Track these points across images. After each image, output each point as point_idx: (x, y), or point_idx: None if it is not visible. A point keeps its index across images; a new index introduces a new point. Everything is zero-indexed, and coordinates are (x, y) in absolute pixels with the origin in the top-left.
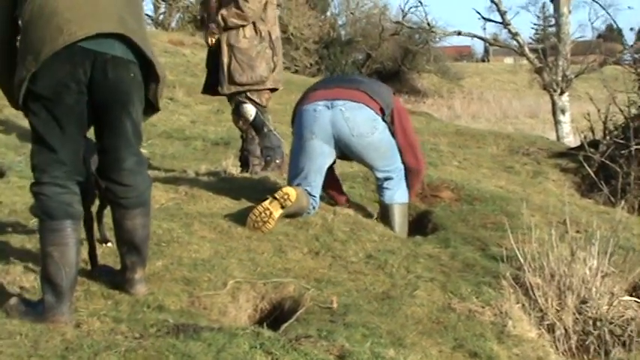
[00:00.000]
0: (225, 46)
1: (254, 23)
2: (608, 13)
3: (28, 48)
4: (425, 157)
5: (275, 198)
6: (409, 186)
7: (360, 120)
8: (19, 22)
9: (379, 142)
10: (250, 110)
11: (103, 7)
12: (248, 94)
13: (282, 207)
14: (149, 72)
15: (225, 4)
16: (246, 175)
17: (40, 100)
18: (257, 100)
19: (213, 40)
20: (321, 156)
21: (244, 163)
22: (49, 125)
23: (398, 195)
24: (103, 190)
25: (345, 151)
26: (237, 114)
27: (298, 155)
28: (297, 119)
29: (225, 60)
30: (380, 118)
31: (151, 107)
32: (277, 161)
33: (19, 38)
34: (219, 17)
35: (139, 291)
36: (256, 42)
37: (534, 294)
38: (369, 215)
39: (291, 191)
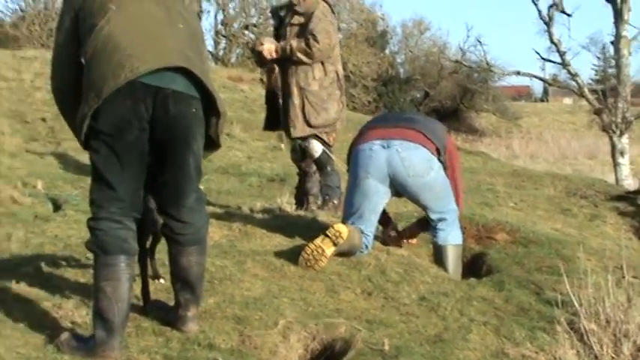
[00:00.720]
0: (295, 88)
1: (322, 63)
2: None
3: (91, 85)
4: (479, 198)
5: (327, 235)
6: None
7: (416, 160)
8: (82, 60)
9: (434, 182)
10: (317, 147)
11: (165, 42)
12: (317, 133)
13: (335, 244)
14: (210, 107)
15: (297, 35)
16: (301, 213)
17: (102, 136)
18: (325, 139)
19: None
20: (376, 195)
21: (300, 201)
22: (109, 162)
23: (452, 236)
24: (160, 225)
25: (400, 191)
26: (298, 151)
27: (353, 194)
28: (353, 158)
29: (297, 102)
30: (436, 159)
31: (212, 143)
32: (335, 201)
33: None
34: (288, 47)
35: (191, 329)
36: (326, 83)
37: (589, 340)
38: (422, 256)
39: (342, 229)
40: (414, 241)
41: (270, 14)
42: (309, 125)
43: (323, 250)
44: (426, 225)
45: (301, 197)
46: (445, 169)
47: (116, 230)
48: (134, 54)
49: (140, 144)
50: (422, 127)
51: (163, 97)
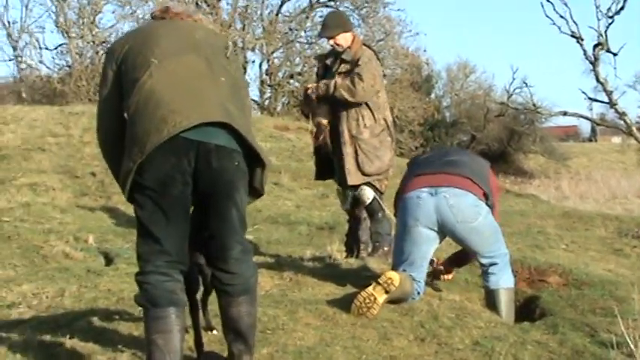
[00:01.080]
0: (347, 137)
1: (372, 111)
2: None
3: (134, 140)
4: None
5: (379, 283)
6: None
7: (464, 206)
8: (125, 114)
9: (483, 227)
10: (369, 194)
11: (207, 97)
12: (371, 181)
13: (387, 292)
14: (253, 159)
15: (344, 73)
16: (352, 260)
17: (146, 191)
18: (377, 186)
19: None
20: (427, 242)
21: (350, 249)
22: (154, 216)
23: (503, 280)
24: (209, 277)
25: (449, 236)
26: (349, 199)
27: (403, 241)
28: (402, 206)
29: (350, 151)
30: (483, 203)
31: (256, 192)
32: (385, 248)
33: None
34: (332, 83)
35: None
36: (377, 131)
37: None
38: (474, 300)
39: (394, 276)
40: (449, 276)
41: (314, 60)
42: (364, 174)
43: (375, 298)
44: (461, 260)
45: (351, 244)
46: (492, 208)
47: (164, 283)
48: (176, 109)
49: (184, 198)
50: (468, 172)
51: (206, 152)
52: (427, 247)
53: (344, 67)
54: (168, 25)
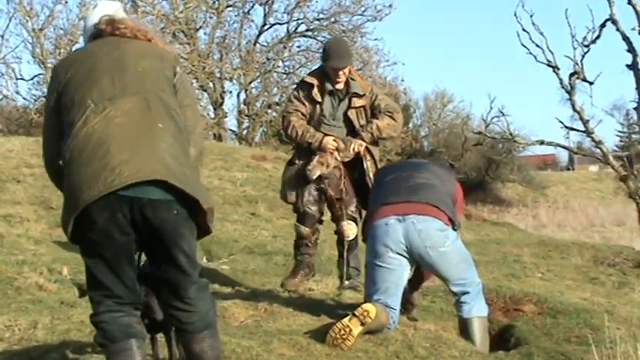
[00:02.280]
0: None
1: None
2: None
3: (70, 191)
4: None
5: (355, 315)
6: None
7: (431, 232)
8: (61, 162)
9: (452, 252)
10: (354, 230)
11: (143, 151)
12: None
13: (362, 324)
14: (195, 205)
15: (357, 108)
16: (327, 290)
17: (87, 241)
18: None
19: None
20: (399, 268)
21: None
22: (99, 266)
23: (476, 309)
24: (162, 318)
25: (419, 262)
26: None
27: (374, 269)
28: (371, 234)
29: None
30: (450, 229)
31: (203, 232)
32: (359, 281)
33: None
34: (375, 129)
35: None
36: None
37: None
38: (449, 330)
39: (371, 308)
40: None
41: (297, 89)
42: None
43: (350, 330)
44: (416, 283)
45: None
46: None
47: (118, 318)
48: (109, 165)
49: (126, 246)
50: (432, 199)
51: (140, 206)
52: (399, 273)
53: (358, 102)
54: (112, 52)
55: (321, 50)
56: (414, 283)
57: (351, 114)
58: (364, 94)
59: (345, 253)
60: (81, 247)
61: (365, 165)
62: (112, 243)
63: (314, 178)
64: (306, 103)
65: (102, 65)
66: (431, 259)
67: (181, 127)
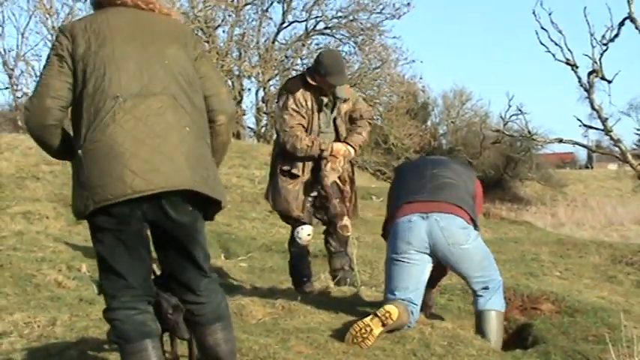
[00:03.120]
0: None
1: None
2: None
3: (88, 181)
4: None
5: (376, 315)
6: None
7: (454, 229)
8: (80, 151)
9: (474, 250)
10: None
11: (169, 159)
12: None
13: (383, 325)
14: (214, 203)
15: (345, 113)
16: (344, 288)
17: (103, 230)
18: None
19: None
20: (421, 265)
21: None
22: (115, 252)
23: (491, 302)
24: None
25: (441, 260)
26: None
27: (396, 266)
28: (393, 231)
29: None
30: (472, 227)
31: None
32: (349, 280)
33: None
34: (362, 140)
35: None
36: None
37: None
38: (467, 328)
39: (393, 310)
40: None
41: (285, 93)
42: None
43: (371, 329)
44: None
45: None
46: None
47: (133, 317)
48: (137, 170)
49: (143, 234)
50: (455, 198)
51: (159, 205)
52: (421, 269)
53: (344, 108)
54: (136, 32)
55: (317, 62)
56: (431, 281)
57: (338, 120)
58: (348, 99)
59: (347, 250)
60: (95, 237)
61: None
62: (129, 228)
63: (329, 184)
64: (305, 116)
65: (128, 50)
66: (453, 257)
67: (204, 114)
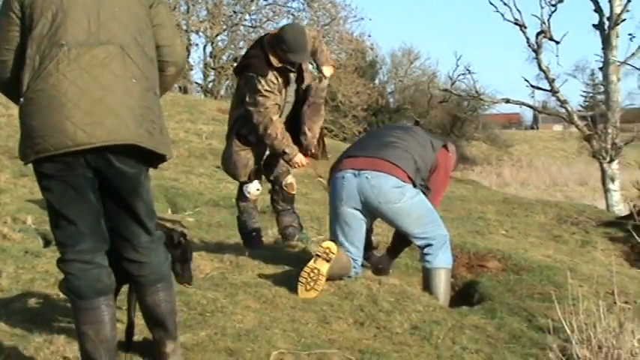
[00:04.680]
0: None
1: None
2: None
3: (30, 131)
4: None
5: (318, 255)
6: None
7: (385, 188)
8: (22, 99)
9: (409, 207)
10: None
11: (113, 113)
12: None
13: (328, 261)
14: (159, 157)
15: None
16: (292, 243)
17: (49, 177)
18: None
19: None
20: (354, 221)
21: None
22: (64, 197)
23: (438, 260)
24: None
25: (378, 217)
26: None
27: (334, 222)
28: (331, 187)
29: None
30: (408, 185)
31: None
32: (303, 236)
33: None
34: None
35: None
36: None
37: None
38: (414, 285)
39: (331, 245)
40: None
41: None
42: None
43: (319, 270)
44: (396, 249)
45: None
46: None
47: (87, 272)
48: (79, 123)
49: (90, 180)
50: (394, 157)
51: (103, 155)
52: (356, 226)
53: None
54: None
55: (280, 37)
56: (393, 249)
57: (305, 75)
58: (328, 76)
59: (292, 207)
60: (43, 185)
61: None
62: (74, 172)
63: (282, 180)
64: (278, 94)
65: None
66: (385, 214)
67: (154, 64)
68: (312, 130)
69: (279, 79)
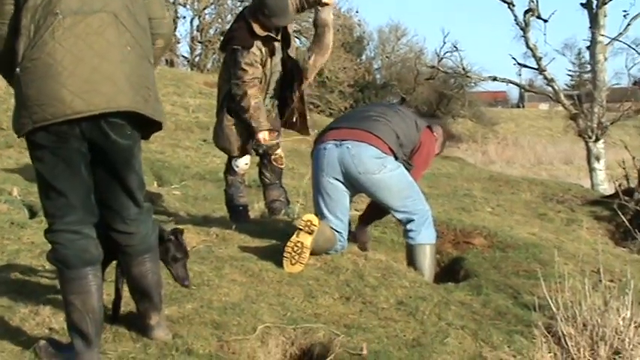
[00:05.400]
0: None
1: None
2: None
3: (26, 99)
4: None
5: (300, 229)
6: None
7: (365, 157)
8: (18, 69)
9: (390, 179)
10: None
11: (109, 80)
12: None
13: (310, 233)
14: (153, 124)
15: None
16: (279, 217)
17: (42, 147)
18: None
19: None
20: (336, 192)
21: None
22: (55, 168)
23: (422, 236)
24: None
25: (359, 189)
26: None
27: (316, 194)
28: (313, 159)
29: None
30: (389, 158)
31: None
32: (289, 211)
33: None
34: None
35: (157, 336)
36: None
37: (566, 344)
38: (400, 260)
39: (312, 217)
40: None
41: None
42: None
43: (302, 244)
44: (370, 217)
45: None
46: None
47: (75, 242)
48: (76, 91)
49: (83, 150)
50: (376, 129)
51: (99, 125)
52: (339, 197)
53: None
54: None
55: (260, 2)
56: (367, 218)
57: (289, 52)
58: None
59: (279, 181)
60: (35, 155)
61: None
62: (68, 145)
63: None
64: (259, 66)
65: None
66: (365, 185)
67: (147, 33)
68: (316, 61)
69: (264, 50)
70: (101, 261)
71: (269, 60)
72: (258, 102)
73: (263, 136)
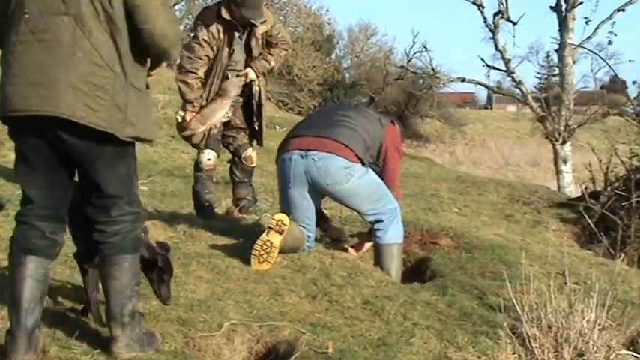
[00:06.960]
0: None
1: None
2: (609, 65)
3: None
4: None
5: (270, 228)
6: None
7: (332, 169)
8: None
9: (357, 187)
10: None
11: (50, 80)
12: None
13: (280, 233)
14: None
15: (265, 44)
16: (246, 215)
17: (15, 140)
18: None
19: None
20: (303, 202)
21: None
22: (18, 163)
23: (389, 235)
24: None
25: (327, 197)
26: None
27: (283, 202)
28: (278, 167)
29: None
30: (356, 165)
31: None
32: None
33: None
34: (272, 62)
35: (113, 350)
36: None
37: (531, 345)
38: (367, 260)
39: (283, 217)
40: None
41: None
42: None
43: (271, 243)
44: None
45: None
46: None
47: (22, 232)
48: (17, 89)
49: (42, 149)
50: (342, 137)
51: (51, 126)
52: (305, 207)
53: (264, 28)
54: None
55: None
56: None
57: (253, 42)
58: (264, 21)
59: (249, 180)
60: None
61: (254, 89)
62: (28, 142)
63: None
64: (214, 48)
65: None
66: (334, 195)
67: (119, 40)
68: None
69: (221, 34)
70: (50, 257)
71: (225, 48)
72: (197, 81)
73: (182, 114)
